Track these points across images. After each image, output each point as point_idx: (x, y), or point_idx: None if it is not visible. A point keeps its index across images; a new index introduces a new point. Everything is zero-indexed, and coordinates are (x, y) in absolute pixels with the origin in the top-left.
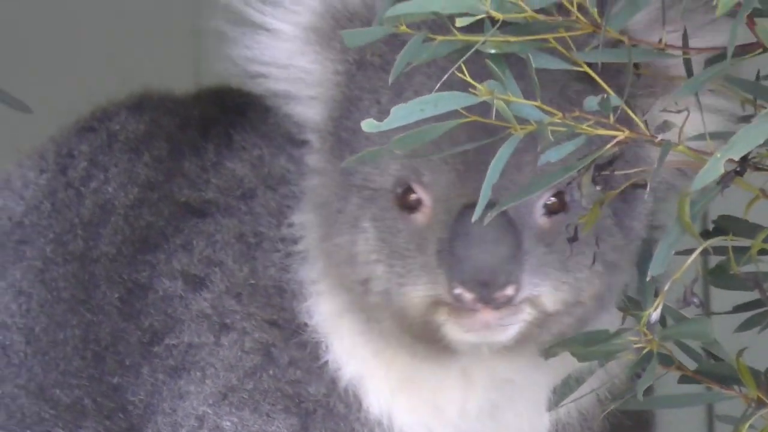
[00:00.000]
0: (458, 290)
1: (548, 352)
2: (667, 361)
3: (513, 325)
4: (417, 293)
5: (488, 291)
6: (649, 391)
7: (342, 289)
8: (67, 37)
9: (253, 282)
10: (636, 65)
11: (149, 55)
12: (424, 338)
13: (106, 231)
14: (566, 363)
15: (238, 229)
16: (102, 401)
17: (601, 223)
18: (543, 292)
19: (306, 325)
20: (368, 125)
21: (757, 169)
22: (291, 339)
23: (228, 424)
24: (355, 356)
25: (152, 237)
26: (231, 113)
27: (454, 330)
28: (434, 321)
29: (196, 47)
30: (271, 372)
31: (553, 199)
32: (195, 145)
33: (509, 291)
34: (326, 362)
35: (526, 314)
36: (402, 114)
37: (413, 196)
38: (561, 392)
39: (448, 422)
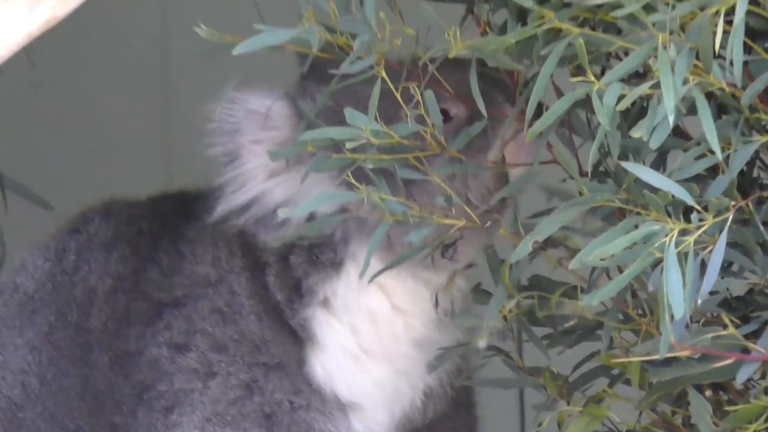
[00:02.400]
0: None
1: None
2: (500, 351)
3: None
4: None
5: None
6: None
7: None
8: (71, 153)
9: (236, 339)
10: None
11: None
12: None
13: (93, 310)
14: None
15: (211, 305)
16: (99, 430)
17: None
18: None
19: (300, 361)
20: (282, 212)
21: (555, 246)
22: (278, 372)
23: None
24: (343, 358)
25: (133, 318)
26: (177, 227)
27: None
28: None
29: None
30: (255, 399)
31: None
32: (150, 254)
33: None
34: (316, 378)
35: None
36: (306, 205)
37: None
38: (437, 361)
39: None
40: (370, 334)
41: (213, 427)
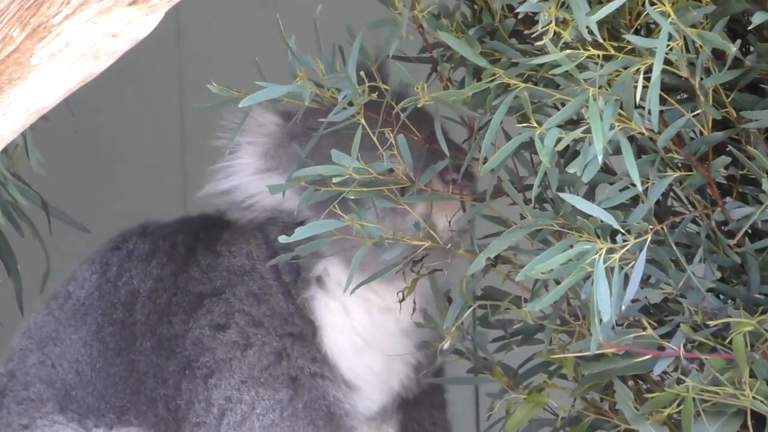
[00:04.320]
0: None
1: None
2: (460, 352)
3: None
4: None
5: None
6: (441, 372)
7: None
8: (103, 185)
9: (269, 314)
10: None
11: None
12: None
13: (137, 306)
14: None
15: (247, 289)
16: (139, 406)
17: None
18: None
19: (314, 334)
20: (282, 238)
21: (504, 262)
22: (300, 342)
23: (247, 397)
24: (344, 342)
25: (174, 309)
26: (211, 235)
27: None
28: None
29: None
30: (284, 364)
31: None
32: (188, 258)
33: None
34: (326, 352)
35: None
36: (302, 232)
37: None
38: (424, 343)
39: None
40: (366, 325)
41: (248, 387)
